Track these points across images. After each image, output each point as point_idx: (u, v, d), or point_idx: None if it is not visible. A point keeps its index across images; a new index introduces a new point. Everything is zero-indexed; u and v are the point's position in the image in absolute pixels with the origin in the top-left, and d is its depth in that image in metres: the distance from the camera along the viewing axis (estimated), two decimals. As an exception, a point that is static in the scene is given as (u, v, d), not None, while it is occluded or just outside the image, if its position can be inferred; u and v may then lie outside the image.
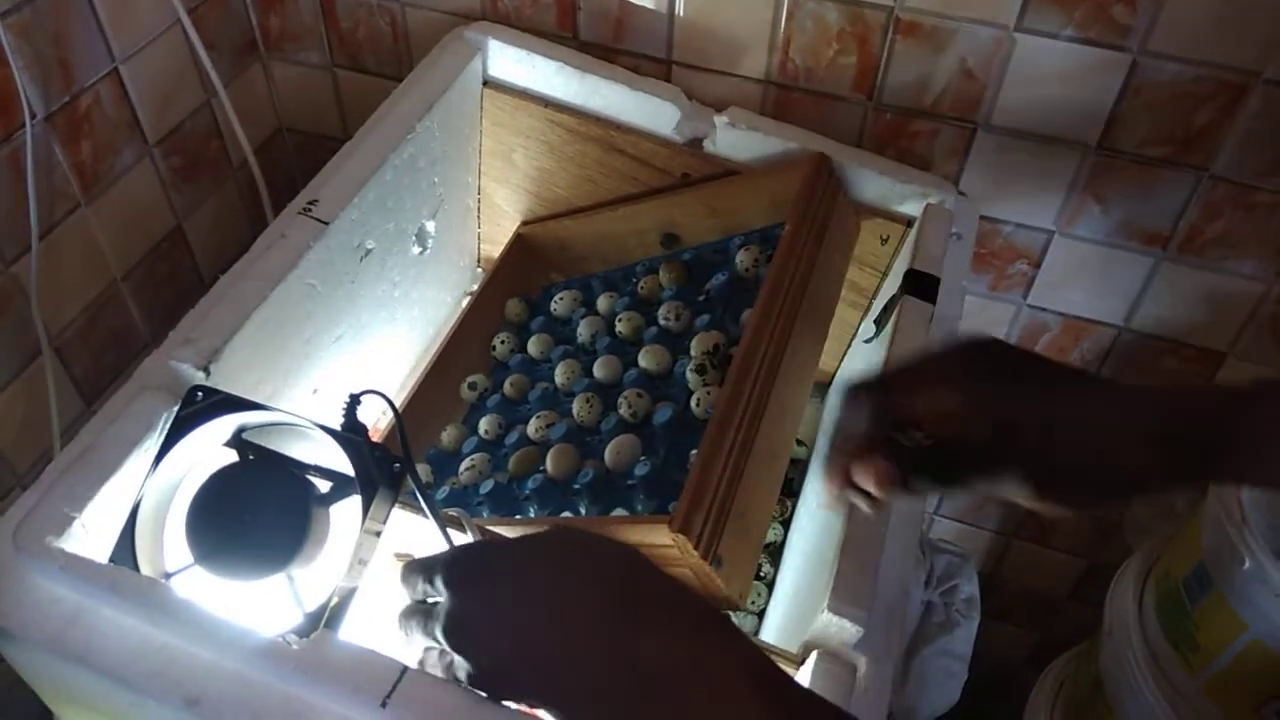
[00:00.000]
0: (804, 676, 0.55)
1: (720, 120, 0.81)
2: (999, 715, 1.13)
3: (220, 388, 0.59)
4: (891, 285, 0.82)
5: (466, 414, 0.83)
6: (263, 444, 0.59)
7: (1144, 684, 0.82)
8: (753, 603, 0.82)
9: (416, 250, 0.84)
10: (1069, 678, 1.00)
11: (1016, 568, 1.16)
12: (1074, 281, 0.88)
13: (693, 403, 0.68)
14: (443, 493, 0.74)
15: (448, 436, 0.80)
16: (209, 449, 0.58)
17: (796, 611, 0.69)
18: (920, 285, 0.72)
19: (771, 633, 0.78)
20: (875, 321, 0.76)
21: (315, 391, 0.74)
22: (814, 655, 0.55)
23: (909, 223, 0.80)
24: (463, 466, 0.75)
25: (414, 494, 0.58)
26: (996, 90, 0.78)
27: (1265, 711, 0.77)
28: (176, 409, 0.57)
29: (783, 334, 0.66)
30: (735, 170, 0.82)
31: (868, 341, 0.77)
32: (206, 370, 0.59)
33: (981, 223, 0.82)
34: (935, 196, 0.78)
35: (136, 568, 0.55)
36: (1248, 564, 0.73)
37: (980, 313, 0.93)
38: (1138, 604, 0.85)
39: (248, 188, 1.00)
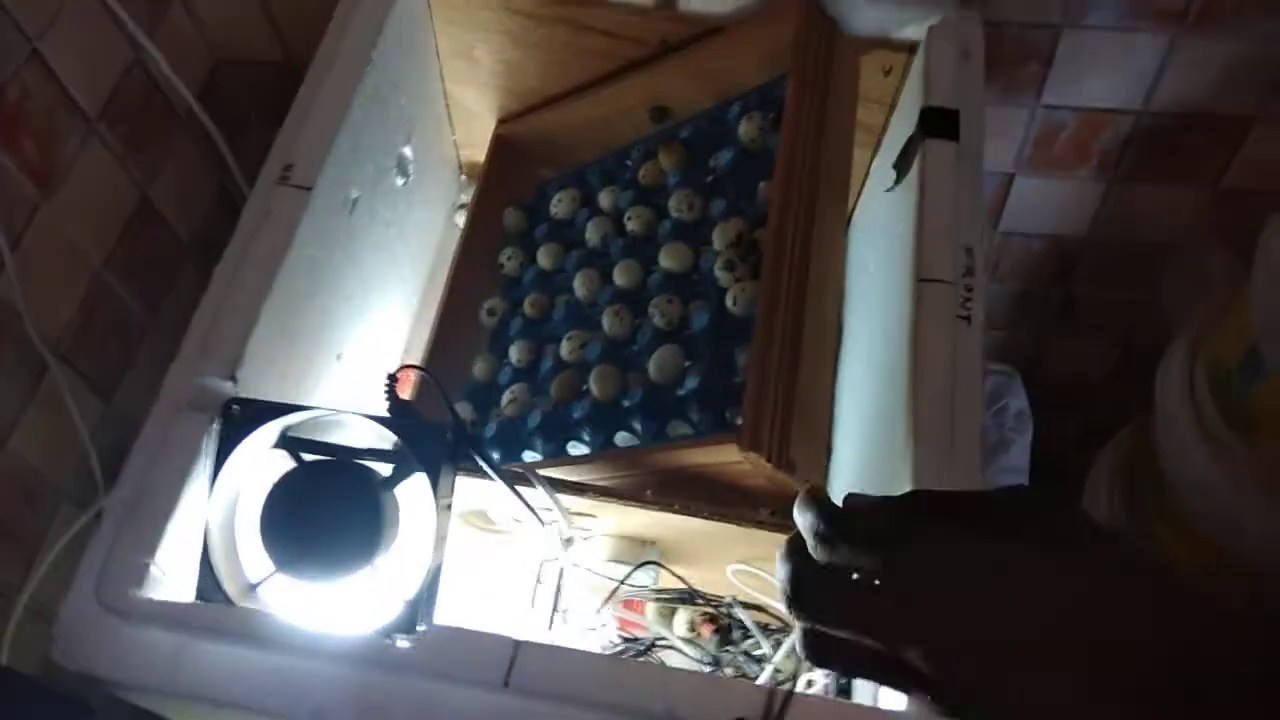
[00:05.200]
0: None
1: (692, -25, 0.74)
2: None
3: (249, 387, 0.57)
4: (900, 119, 0.77)
5: (491, 341, 0.81)
6: (309, 437, 0.58)
7: (1201, 465, 0.83)
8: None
9: (400, 181, 0.79)
10: (1123, 458, 1.01)
11: (1055, 363, 1.17)
12: (1088, 74, 0.83)
13: (728, 301, 0.65)
14: (490, 429, 0.73)
15: (479, 369, 0.79)
16: (259, 456, 0.57)
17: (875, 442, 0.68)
18: (939, 123, 0.68)
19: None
20: (895, 167, 0.72)
21: (339, 357, 0.72)
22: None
23: (911, 49, 0.74)
24: (504, 400, 0.73)
25: (474, 459, 0.57)
26: (987, -117, 0.71)
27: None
28: (218, 428, 0.55)
29: (808, 213, 0.63)
30: (718, 27, 0.76)
31: (889, 190, 0.74)
32: (234, 379, 0.57)
33: (985, 28, 0.76)
34: (936, 15, 0.73)
35: (221, 590, 0.55)
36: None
37: (992, 122, 0.88)
38: (1189, 391, 0.84)
39: (201, 136, 0.94)
